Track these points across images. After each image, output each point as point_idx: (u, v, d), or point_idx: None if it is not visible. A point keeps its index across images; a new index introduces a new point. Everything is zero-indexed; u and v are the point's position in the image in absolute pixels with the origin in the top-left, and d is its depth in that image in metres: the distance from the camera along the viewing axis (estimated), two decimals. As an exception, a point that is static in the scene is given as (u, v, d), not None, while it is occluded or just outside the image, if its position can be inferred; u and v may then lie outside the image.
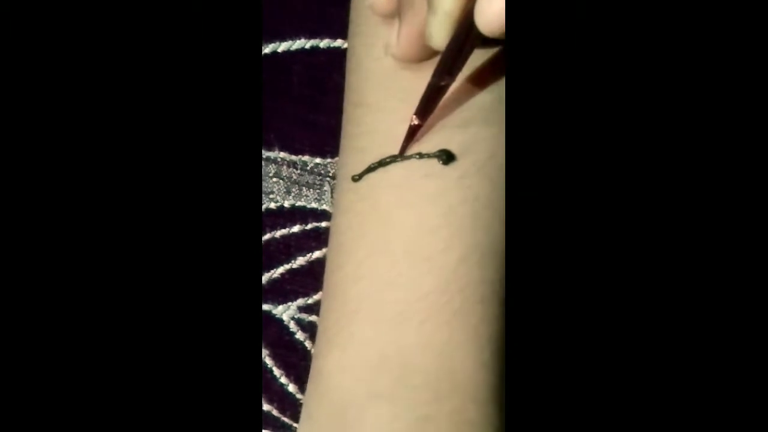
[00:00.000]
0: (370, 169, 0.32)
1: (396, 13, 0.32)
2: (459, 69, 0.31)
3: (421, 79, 0.32)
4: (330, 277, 0.33)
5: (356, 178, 0.32)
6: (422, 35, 0.30)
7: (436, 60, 0.31)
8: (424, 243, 0.30)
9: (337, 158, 0.40)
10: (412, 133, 0.31)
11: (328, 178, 0.41)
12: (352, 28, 0.35)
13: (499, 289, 0.31)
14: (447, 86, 0.31)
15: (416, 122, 0.31)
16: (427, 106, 0.31)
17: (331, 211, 0.40)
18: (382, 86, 0.33)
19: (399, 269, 0.30)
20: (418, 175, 0.31)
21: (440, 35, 0.30)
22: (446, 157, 0.31)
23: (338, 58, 0.40)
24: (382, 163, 0.32)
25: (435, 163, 0.31)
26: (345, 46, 0.40)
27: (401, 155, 0.32)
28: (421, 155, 0.31)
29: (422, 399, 0.30)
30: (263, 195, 0.41)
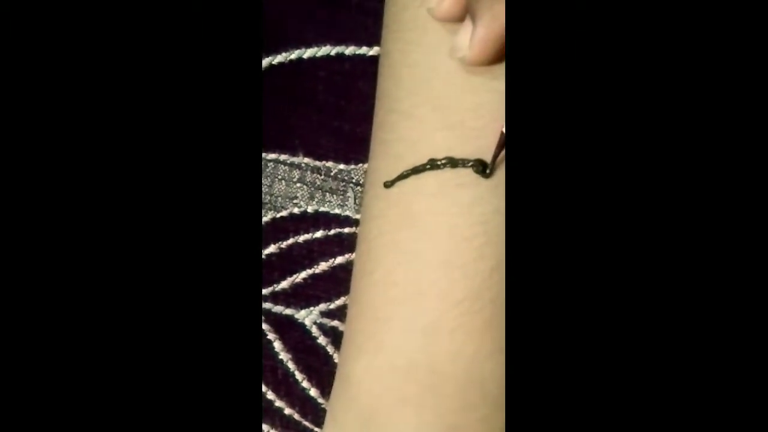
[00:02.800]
0: (403, 176, 0.32)
1: (458, 17, 0.31)
2: None
3: (455, 86, 0.32)
4: (358, 282, 0.33)
5: (388, 185, 0.32)
6: (500, 37, 0.30)
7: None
8: (457, 252, 0.30)
9: (361, 165, 0.40)
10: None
11: (351, 184, 0.41)
12: (387, 33, 0.35)
13: None
14: None
15: None
16: None
17: (354, 217, 0.41)
18: (417, 93, 0.32)
19: (431, 277, 0.30)
20: (451, 185, 0.31)
21: None
22: (481, 166, 0.31)
23: (363, 65, 0.41)
24: (415, 171, 0.32)
25: (469, 173, 0.31)
26: (371, 53, 0.40)
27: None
28: (455, 164, 0.31)
29: (451, 407, 0.30)
30: (287, 200, 0.41)
